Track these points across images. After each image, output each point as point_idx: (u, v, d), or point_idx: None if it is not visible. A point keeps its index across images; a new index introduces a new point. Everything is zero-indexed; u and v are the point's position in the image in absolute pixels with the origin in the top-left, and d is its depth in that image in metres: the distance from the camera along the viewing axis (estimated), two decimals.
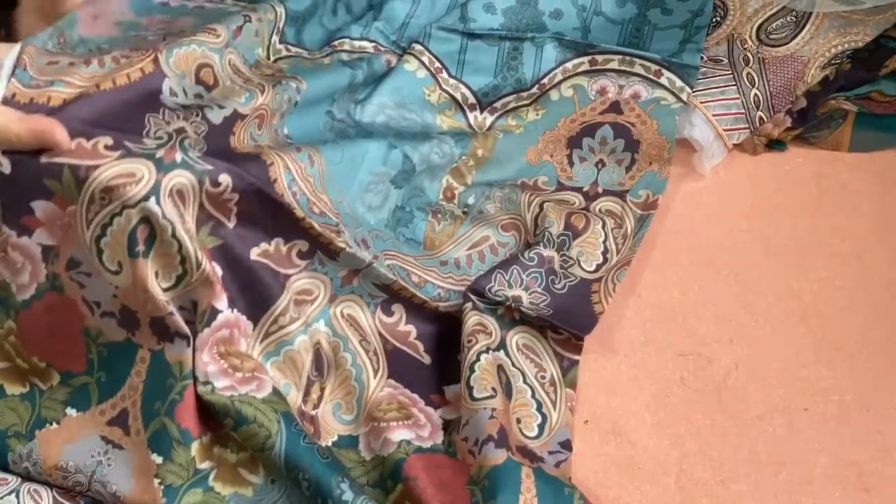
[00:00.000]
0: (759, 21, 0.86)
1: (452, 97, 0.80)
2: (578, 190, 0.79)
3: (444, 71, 0.79)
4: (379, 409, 0.66)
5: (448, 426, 0.67)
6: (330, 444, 0.65)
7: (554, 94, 0.79)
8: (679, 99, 0.80)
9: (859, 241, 0.79)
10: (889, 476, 0.66)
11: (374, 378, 0.67)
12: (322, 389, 0.68)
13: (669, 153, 0.79)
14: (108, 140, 0.58)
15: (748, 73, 0.84)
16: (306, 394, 0.67)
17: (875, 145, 0.85)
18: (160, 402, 0.61)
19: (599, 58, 0.80)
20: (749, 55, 0.85)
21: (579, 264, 0.74)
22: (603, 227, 0.76)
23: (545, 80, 0.80)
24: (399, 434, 0.64)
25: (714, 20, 0.87)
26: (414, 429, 0.65)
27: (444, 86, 0.80)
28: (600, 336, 0.73)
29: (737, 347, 0.72)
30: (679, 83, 0.80)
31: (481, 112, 0.80)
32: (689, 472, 0.66)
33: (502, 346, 0.70)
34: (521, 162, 0.81)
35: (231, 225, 0.63)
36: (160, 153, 0.59)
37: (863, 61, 0.84)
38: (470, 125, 0.80)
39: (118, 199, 0.57)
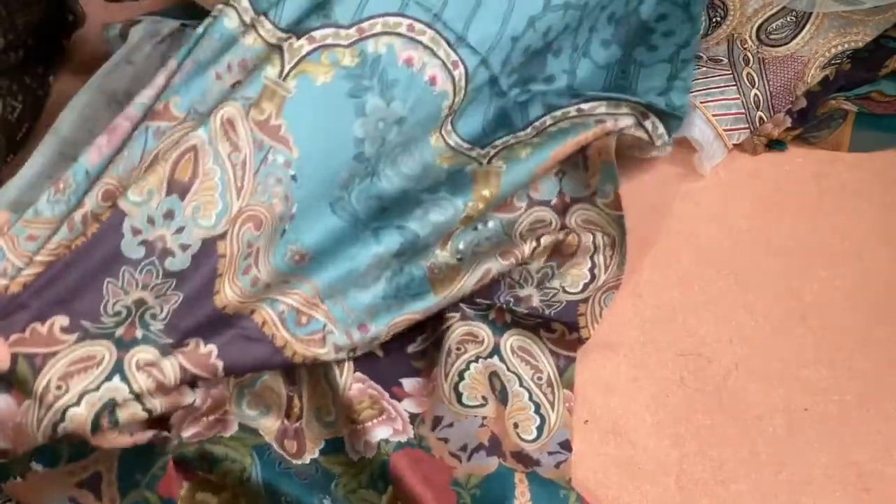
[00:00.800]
0: (759, 21, 0.86)
1: (447, 143, 0.75)
2: (546, 204, 0.77)
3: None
4: (354, 409, 0.65)
5: (413, 419, 0.67)
6: (317, 453, 0.65)
7: (552, 129, 0.77)
8: (654, 145, 0.79)
9: (859, 241, 0.79)
10: (889, 476, 0.66)
11: (341, 376, 0.67)
12: (300, 399, 0.68)
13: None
14: (64, 321, 0.57)
15: (748, 73, 0.84)
16: (289, 408, 0.67)
17: (875, 145, 0.85)
18: (140, 474, 0.61)
19: (585, 106, 0.77)
20: (749, 55, 0.85)
21: (564, 291, 0.73)
22: (593, 240, 0.74)
23: (537, 124, 0.77)
24: (377, 433, 0.64)
25: (714, 20, 0.87)
26: (389, 423, 0.65)
27: (445, 127, 0.75)
28: (600, 336, 0.73)
29: (737, 347, 0.72)
30: (660, 130, 0.78)
31: (482, 149, 0.76)
32: (689, 472, 0.66)
33: (496, 351, 0.70)
34: (527, 188, 0.77)
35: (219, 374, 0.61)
36: (119, 331, 0.58)
37: (863, 61, 0.84)
38: (472, 157, 0.75)
39: (77, 385, 0.55)
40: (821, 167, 0.84)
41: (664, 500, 0.65)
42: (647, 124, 0.78)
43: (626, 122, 0.77)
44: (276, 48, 0.64)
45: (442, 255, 0.72)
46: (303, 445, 0.66)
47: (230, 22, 0.65)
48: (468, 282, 0.70)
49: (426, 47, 0.69)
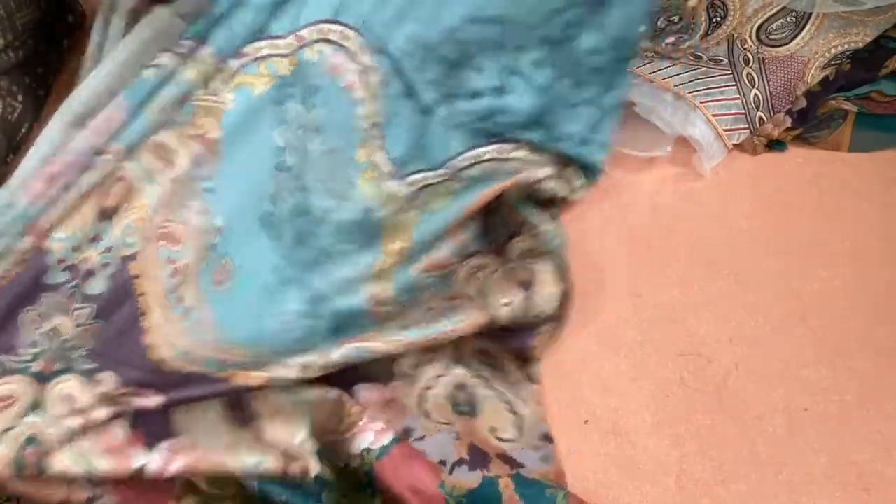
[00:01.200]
0: (759, 21, 0.86)
1: (371, 160, 0.73)
2: (479, 253, 0.75)
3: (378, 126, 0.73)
4: (331, 420, 0.64)
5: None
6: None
7: (467, 173, 0.75)
8: (571, 197, 0.75)
9: (859, 241, 0.79)
10: (889, 476, 0.66)
11: (307, 392, 0.65)
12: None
13: None
14: None
15: (748, 74, 0.84)
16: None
17: (875, 145, 0.85)
18: None
19: (507, 146, 0.75)
20: (749, 55, 0.85)
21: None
22: (547, 260, 0.71)
23: (455, 162, 0.75)
24: (358, 442, 0.63)
25: (714, 20, 0.87)
26: (369, 428, 0.63)
27: (372, 143, 0.73)
28: (600, 336, 0.73)
29: (737, 347, 0.72)
30: (577, 182, 0.75)
31: (399, 180, 0.73)
32: (689, 472, 0.66)
33: (458, 360, 0.69)
34: (442, 240, 0.75)
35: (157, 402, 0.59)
36: (37, 366, 0.58)
37: (863, 61, 0.84)
38: (389, 191, 0.73)
39: None
40: (821, 167, 0.84)
41: (664, 500, 0.65)
42: (567, 173, 0.75)
43: (544, 172, 0.74)
44: (209, 73, 0.65)
45: (384, 311, 0.70)
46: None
47: (186, 72, 0.65)
48: (419, 308, 0.69)
49: (351, 53, 0.69)
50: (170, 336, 0.61)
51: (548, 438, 0.67)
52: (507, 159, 0.75)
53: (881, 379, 0.70)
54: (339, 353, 0.64)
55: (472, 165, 0.75)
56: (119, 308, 0.60)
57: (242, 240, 0.67)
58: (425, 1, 0.71)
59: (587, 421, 0.69)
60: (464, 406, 0.68)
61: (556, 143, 0.75)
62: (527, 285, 0.68)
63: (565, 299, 0.69)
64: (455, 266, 0.74)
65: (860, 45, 0.83)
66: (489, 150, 0.75)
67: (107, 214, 0.61)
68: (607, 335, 0.73)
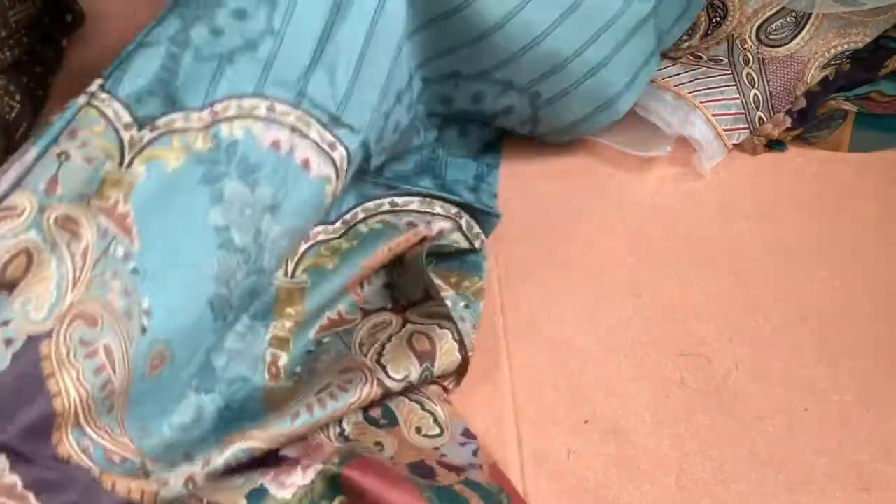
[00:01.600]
0: (759, 21, 0.86)
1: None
2: (383, 310, 0.73)
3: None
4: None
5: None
6: None
7: (363, 227, 0.73)
8: (472, 246, 0.75)
9: (859, 241, 0.79)
10: (889, 476, 0.65)
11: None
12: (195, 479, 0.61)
13: None
14: None
15: (748, 73, 0.84)
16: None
17: (875, 145, 0.85)
18: None
19: (399, 200, 0.74)
20: (749, 55, 0.85)
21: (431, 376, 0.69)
22: (451, 327, 0.69)
23: (348, 217, 0.73)
24: (292, 479, 0.58)
25: (714, 20, 0.87)
26: (300, 463, 0.59)
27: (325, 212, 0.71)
28: (600, 336, 0.73)
29: (737, 347, 0.72)
30: (476, 230, 0.75)
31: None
32: (689, 472, 0.66)
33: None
34: (340, 297, 0.73)
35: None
36: None
37: (863, 61, 0.85)
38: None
39: None
40: (821, 167, 0.84)
41: (664, 500, 0.65)
42: (462, 223, 0.75)
43: (441, 225, 0.74)
44: (115, 135, 0.59)
45: (277, 386, 0.68)
46: None
47: (91, 117, 0.60)
48: (308, 392, 0.65)
49: (294, 129, 0.63)
50: (77, 416, 0.55)
51: (470, 435, 0.65)
52: (402, 211, 0.74)
53: (881, 379, 0.70)
54: (223, 457, 0.59)
55: (366, 219, 0.74)
56: (21, 388, 0.53)
57: (188, 325, 0.61)
58: (375, 65, 0.66)
59: (587, 421, 0.69)
60: (382, 419, 0.66)
61: (447, 191, 0.75)
62: (425, 356, 0.67)
63: (462, 367, 0.69)
64: (355, 322, 0.72)
65: (860, 45, 0.83)
66: (383, 203, 0.74)
67: (6, 287, 0.54)
68: (607, 335, 0.73)
